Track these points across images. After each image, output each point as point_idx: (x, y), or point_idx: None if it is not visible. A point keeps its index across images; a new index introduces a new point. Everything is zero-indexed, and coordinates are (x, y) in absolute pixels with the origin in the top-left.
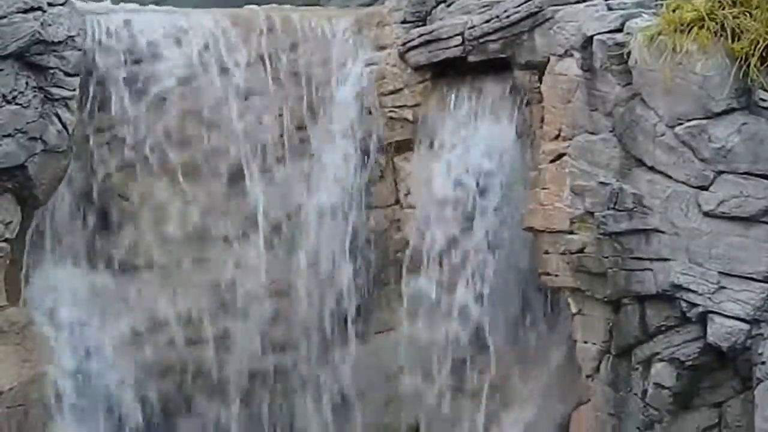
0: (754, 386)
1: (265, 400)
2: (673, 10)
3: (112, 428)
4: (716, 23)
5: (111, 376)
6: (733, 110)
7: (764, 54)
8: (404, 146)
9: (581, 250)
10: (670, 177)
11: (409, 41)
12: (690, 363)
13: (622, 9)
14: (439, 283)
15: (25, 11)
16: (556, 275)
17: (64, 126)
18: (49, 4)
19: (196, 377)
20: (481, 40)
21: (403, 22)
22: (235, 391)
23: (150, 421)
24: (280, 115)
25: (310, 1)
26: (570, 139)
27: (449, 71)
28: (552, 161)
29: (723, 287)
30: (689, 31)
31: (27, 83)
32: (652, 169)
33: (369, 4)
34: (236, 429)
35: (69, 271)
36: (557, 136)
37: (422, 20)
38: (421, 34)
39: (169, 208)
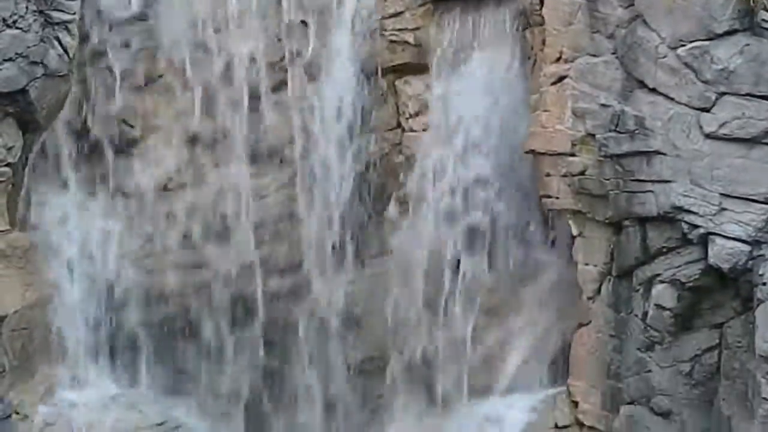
0: (754, 307)
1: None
2: None
3: (115, 350)
4: None
5: (113, 298)
6: (735, 31)
7: None
8: (406, 69)
9: (582, 173)
10: (672, 99)
11: None
12: (691, 284)
13: None
14: (442, 206)
15: None
16: (557, 197)
17: (65, 50)
18: None
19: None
20: None
21: None
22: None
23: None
24: (279, 39)
25: None
26: (571, 62)
27: None
28: (553, 84)
29: (724, 209)
30: None
31: (27, 7)
32: (653, 90)
33: None
34: None
35: (70, 195)
36: (558, 59)
37: None
38: None
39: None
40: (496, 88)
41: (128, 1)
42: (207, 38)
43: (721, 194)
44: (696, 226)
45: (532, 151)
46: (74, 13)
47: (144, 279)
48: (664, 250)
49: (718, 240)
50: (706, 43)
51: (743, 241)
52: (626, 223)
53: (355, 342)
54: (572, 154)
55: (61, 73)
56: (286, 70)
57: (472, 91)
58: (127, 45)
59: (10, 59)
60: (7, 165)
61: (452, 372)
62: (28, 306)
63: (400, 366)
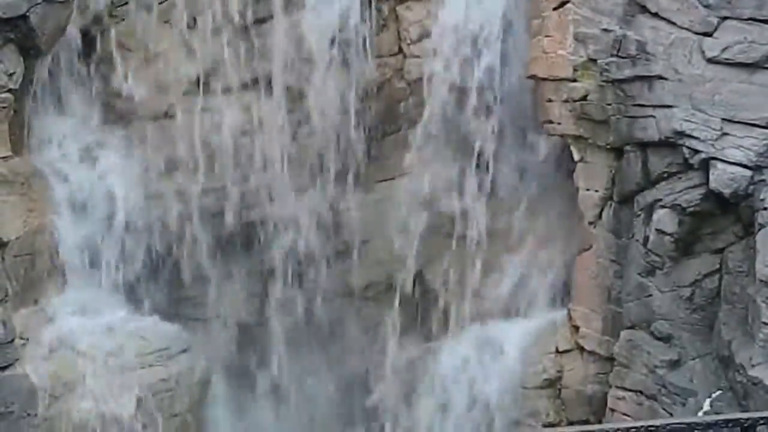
0: (755, 232)
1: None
2: None
3: (115, 276)
4: None
5: (114, 226)
6: None
7: None
8: None
9: (584, 98)
10: (674, 23)
11: None
12: (692, 209)
13: None
14: (445, 126)
15: None
16: (559, 123)
17: None
18: None
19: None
20: None
21: None
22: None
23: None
24: None
25: None
26: None
27: None
28: (555, 8)
29: (726, 134)
30: None
31: None
32: (655, 15)
33: None
34: None
35: (71, 122)
36: None
37: None
38: None
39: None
40: (498, 11)
41: None
42: None
43: (723, 119)
44: (697, 151)
45: (534, 77)
46: None
47: (144, 205)
48: (665, 175)
49: (719, 165)
50: None
51: (744, 166)
52: (627, 148)
53: (360, 268)
54: (574, 80)
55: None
56: None
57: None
58: None
59: None
60: (9, 91)
61: (455, 295)
62: (30, 232)
63: (404, 291)
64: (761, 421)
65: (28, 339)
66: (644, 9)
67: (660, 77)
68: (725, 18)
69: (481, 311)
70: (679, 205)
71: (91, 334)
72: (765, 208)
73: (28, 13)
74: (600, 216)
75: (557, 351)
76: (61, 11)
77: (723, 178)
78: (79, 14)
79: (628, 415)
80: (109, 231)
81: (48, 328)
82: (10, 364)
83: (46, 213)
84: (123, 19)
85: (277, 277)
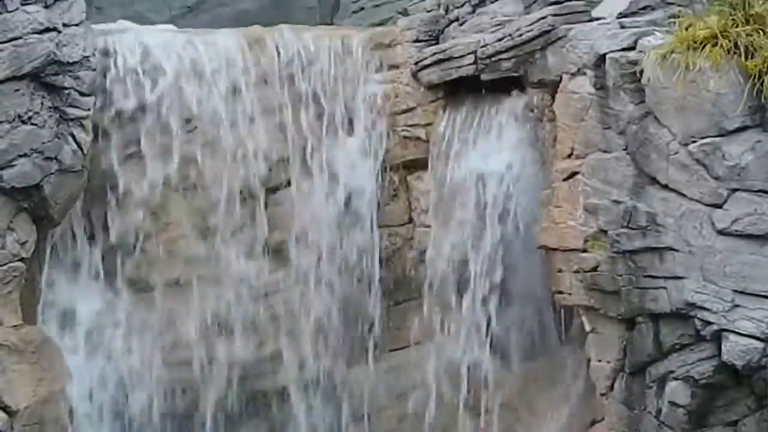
0: None
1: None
2: (686, 28)
3: None
4: (729, 41)
5: (127, 396)
6: (746, 128)
7: None
8: (417, 165)
9: (595, 269)
10: (684, 195)
11: (422, 60)
12: (705, 381)
13: (635, 27)
14: (455, 300)
15: (41, 32)
16: (570, 293)
17: (79, 146)
18: (65, 25)
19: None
20: (493, 59)
21: (416, 41)
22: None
23: None
24: (292, 134)
25: (323, 20)
26: (583, 158)
27: (462, 90)
28: (565, 179)
29: (737, 305)
30: (702, 49)
31: (42, 103)
32: (665, 187)
33: (381, 23)
34: None
35: (84, 290)
36: (570, 155)
37: (435, 39)
38: (434, 53)
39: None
40: (505, 182)
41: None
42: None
43: (734, 291)
44: (709, 323)
45: (544, 247)
46: (89, 109)
47: (158, 372)
48: (677, 346)
49: (732, 337)
50: (718, 139)
51: (757, 338)
52: (639, 319)
53: None
54: (584, 250)
55: (75, 169)
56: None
57: (479, 185)
58: None
59: (25, 155)
60: (21, 260)
61: None
62: (40, 401)
63: None
64: None
65: None
66: (654, 180)
67: (671, 248)
68: (735, 190)
69: None
70: (692, 377)
71: None
72: None
73: (41, 183)
74: (612, 387)
75: None
76: (74, 181)
77: (735, 350)
78: None
79: None
80: (121, 402)
81: None
82: None
83: (56, 382)
84: None
85: None
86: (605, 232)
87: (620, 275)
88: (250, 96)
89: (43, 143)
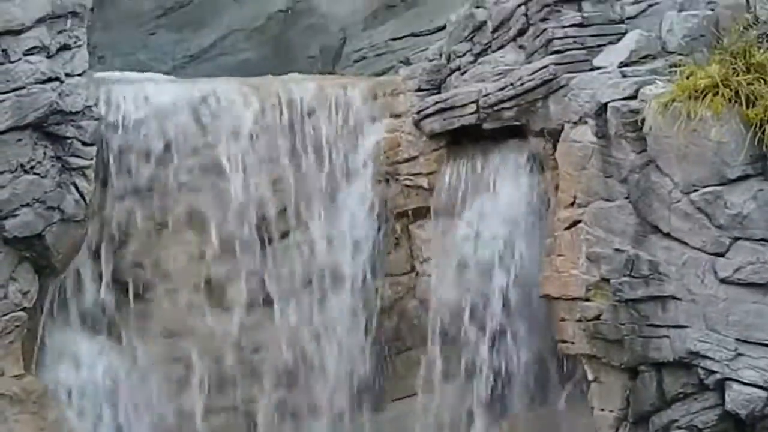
0: None
1: None
2: (687, 77)
3: None
4: (730, 90)
5: None
6: (748, 176)
7: None
8: (420, 214)
9: (597, 317)
10: (686, 243)
11: (424, 109)
12: (708, 430)
13: (636, 76)
14: (457, 349)
15: (43, 82)
16: (573, 342)
17: (82, 195)
18: (67, 75)
19: None
20: (495, 108)
21: (418, 90)
22: None
23: None
24: (294, 182)
25: (325, 69)
26: (585, 206)
27: (464, 139)
28: (567, 228)
29: (740, 354)
30: (703, 98)
31: (45, 153)
32: (667, 235)
33: (383, 73)
34: None
35: (86, 340)
36: (572, 203)
37: (437, 88)
38: (436, 102)
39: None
40: (508, 231)
41: None
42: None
43: (737, 339)
44: (712, 372)
45: (547, 296)
46: (91, 159)
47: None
48: (681, 395)
49: (735, 386)
50: (719, 188)
51: (760, 387)
52: (642, 368)
53: None
54: (587, 299)
55: (77, 218)
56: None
57: (483, 233)
58: None
59: (27, 204)
60: (23, 309)
61: None
62: None
63: None
64: None
65: None
66: (656, 229)
67: (673, 297)
68: (737, 238)
69: None
70: (696, 426)
71: None
72: None
73: (43, 233)
74: None
75: None
76: (76, 230)
77: (739, 399)
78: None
79: None
80: None
81: None
82: None
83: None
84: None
85: None
86: (608, 280)
87: (623, 324)
88: (251, 145)
89: (46, 193)
